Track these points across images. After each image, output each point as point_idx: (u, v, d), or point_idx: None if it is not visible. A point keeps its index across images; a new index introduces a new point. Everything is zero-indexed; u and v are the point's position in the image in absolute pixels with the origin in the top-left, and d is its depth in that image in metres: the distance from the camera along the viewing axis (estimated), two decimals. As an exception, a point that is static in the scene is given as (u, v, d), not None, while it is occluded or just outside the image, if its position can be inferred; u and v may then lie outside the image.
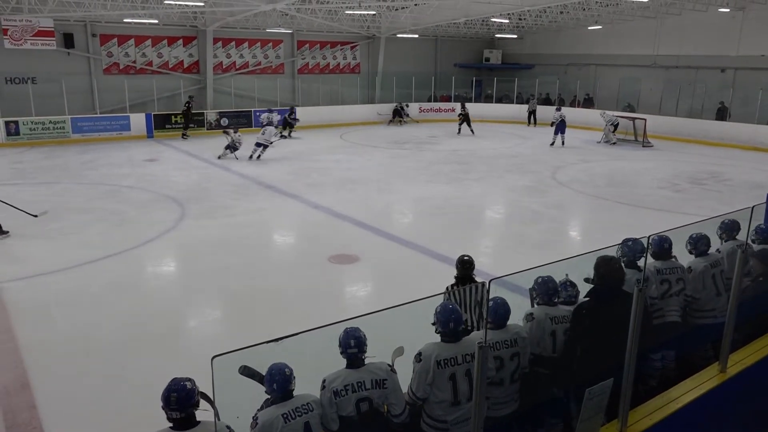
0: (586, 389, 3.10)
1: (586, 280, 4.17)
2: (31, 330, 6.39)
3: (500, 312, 3.55)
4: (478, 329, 4.74)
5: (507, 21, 24.97)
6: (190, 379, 2.90)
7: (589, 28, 25.99)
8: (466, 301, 5.05)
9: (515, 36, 29.39)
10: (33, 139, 18.70)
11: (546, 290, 3.86)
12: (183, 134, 20.60)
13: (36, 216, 10.06)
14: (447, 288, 5.31)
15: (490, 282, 2.93)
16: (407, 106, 26.00)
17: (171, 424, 2.85)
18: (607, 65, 26.33)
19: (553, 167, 15.91)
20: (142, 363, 5.67)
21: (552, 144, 19.46)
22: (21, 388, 5.25)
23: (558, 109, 20.18)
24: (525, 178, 14.56)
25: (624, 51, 25.50)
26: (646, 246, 3.91)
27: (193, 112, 21.19)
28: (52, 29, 19.53)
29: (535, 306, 3.91)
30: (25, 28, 18.98)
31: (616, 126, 20.46)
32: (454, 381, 3.24)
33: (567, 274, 4.11)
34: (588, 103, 26.12)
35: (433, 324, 3.39)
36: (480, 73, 30.25)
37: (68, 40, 20.57)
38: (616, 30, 25.41)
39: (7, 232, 9.52)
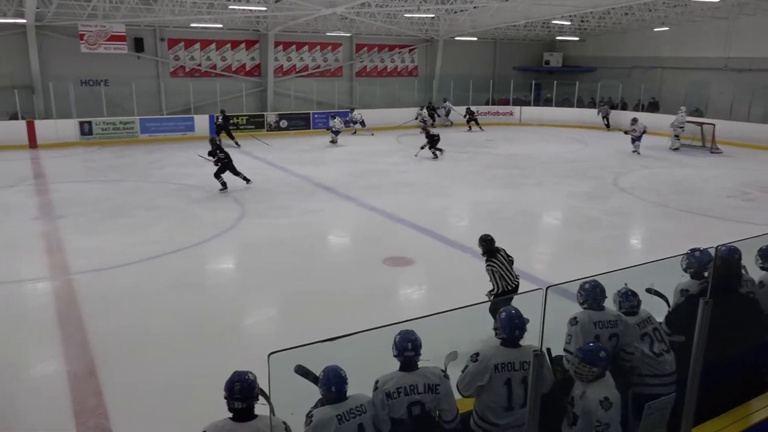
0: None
1: (648, 290, 4.05)
2: (98, 321, 6.69)
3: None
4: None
5: (569, 23, 24.44)
6: (251, 372, 2.97)
7: (656, 29, 25.09)
8: (507, 266, 5.96)
9: (577, 38, 28.72)
10: (105, 139, 19.63)
11: (593, 295, 3.86)
12: (236, 142, 19.55)
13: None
14: (490, 264, 5.95)
15: (547, 289, 2.88)
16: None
17: (231, 415, 2.93)
18: (674, 68, 25.36)
19: (615, 173, 15.46)
20: (200, 357, 5.85)
21: (634, 151, 18.40)
22: (89, 375, 5.52)
23: (635, 121, 18.71)
24: (584, 184, 14.21)
25: (693, 53, 24.48)
26: (713, 257, 3.76)
27: (231, 122, 20.30)
28: (124, 34, 20.44)
29: (581, 310, 3.87)
30: (99, 33, 19.94)
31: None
32: (509, 387, 3.23)
33: (626, 284, 4.01)
34: (653, 107, 25.25)
35: (496, 329, 3.38)
36: (539, 76, 29.71)
37: (138, 45, 21.51)
38: (684, 31, 24.46)
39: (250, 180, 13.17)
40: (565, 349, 3.78)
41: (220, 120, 19.78)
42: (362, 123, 22.87)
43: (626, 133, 18.72)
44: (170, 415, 4.92)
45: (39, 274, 8.20)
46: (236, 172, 13.18)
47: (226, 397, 2.93)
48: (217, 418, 2.94)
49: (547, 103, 27.67)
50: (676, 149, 19.39)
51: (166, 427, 4.72)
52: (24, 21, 18.56)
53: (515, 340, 3.31)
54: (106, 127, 19.84)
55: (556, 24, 24.50)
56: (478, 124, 24.32)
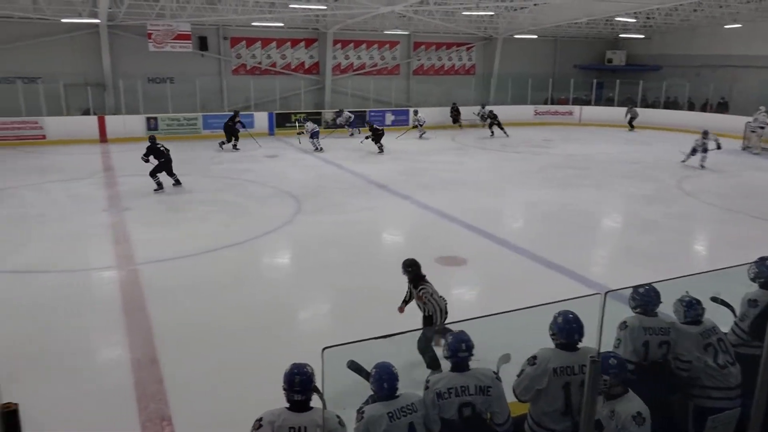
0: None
1: (714, 299, 3.90)
2: (160, 310, 6.94)
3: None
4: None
5: (633, 20, 23.68)
6: (309, 365, 3.03)
7: (726, 26, 23.96)
8: (435, 290, 5.46)
9: (642, 36, 27.78)
10: (169, 134, 20.32)
11: (647, 300, 3.75)
12: (223, 145, 18.66)
13: None
14: (423, 289, 5.46)
15: (605, 294, 2.81)
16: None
17: (287, 405, 2.98)
18: (746, 67, 24.16)
19: (680, 176, 14.88)
20: (256, 348, 5.98)
21: (683, 161, 16.04)
22: (150, 362, 5.74)
23: (706, 135, 15.67)
24: (646, 186, 13.74)
25: (766, 51, 23.26)
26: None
27: (238, 123, 18.47)
28: (189, 33, 21.16)
29: (633, 315, 3.78)
30: (166, 33, 20.71)
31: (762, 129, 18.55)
32: (567, 391, 3.17)
33: (687, 291, 3.87)
34: (722, 107, 24.16)
35: (553, 335, 3.32)
36: (601, 75, 28.88)
37: (202, 43, 22.26)
38: (758, 28, 23.26)
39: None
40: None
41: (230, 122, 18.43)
42: (350, 124, 21.72)
43: (691, 153, 15.81)
44: (227, 403, 5.06)
45: (106, 263, 8.59)
46: (170, 173, 12.89)
47: (285, 389, 2.98)
48: (269, 409, 3.01)
49: (609, 102, 26.88)
50: (756, 154, 18.24)
51: (224, 414, 4.85)
52: (97, 21, 19.48)
53: (574, 344, 3.26)
54: (171, 122, 20.61)
55: (620, 21, 23.79)
56: (491, 126, 22.32)
